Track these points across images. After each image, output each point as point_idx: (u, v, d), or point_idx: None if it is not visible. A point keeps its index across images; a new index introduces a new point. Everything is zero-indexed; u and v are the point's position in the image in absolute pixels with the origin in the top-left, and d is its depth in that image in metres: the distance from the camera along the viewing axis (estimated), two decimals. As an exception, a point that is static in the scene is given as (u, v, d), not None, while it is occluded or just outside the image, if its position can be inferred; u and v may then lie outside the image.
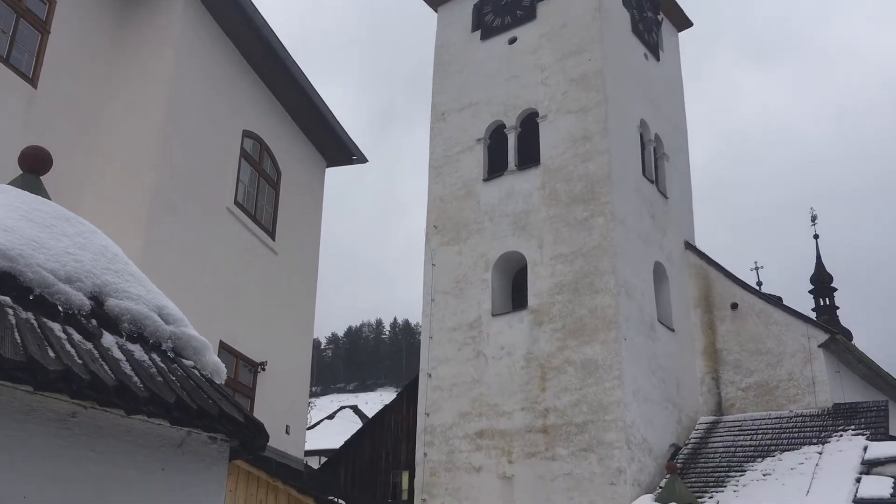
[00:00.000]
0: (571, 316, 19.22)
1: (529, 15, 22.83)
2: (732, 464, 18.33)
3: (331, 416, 55.67)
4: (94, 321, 3.07)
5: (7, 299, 2.84)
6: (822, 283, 32.58)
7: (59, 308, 2.96)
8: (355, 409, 62.02)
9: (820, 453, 17.62)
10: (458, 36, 24.10)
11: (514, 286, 21.20)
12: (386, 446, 22.61)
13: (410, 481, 20.83)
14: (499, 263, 20.87)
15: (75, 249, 3.17)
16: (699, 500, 13.21)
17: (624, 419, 17.83)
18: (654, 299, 20.65)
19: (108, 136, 11.27)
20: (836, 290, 32.76)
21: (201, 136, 12.24)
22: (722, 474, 18.02)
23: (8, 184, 3.50)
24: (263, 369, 13.18)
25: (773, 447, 18.57)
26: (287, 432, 13.74)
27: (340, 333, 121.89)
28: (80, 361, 2.73)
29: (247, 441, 3.40)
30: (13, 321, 2.74)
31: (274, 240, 14.05)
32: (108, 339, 3.04)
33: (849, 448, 17.43)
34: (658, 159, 23.21)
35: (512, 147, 21.87)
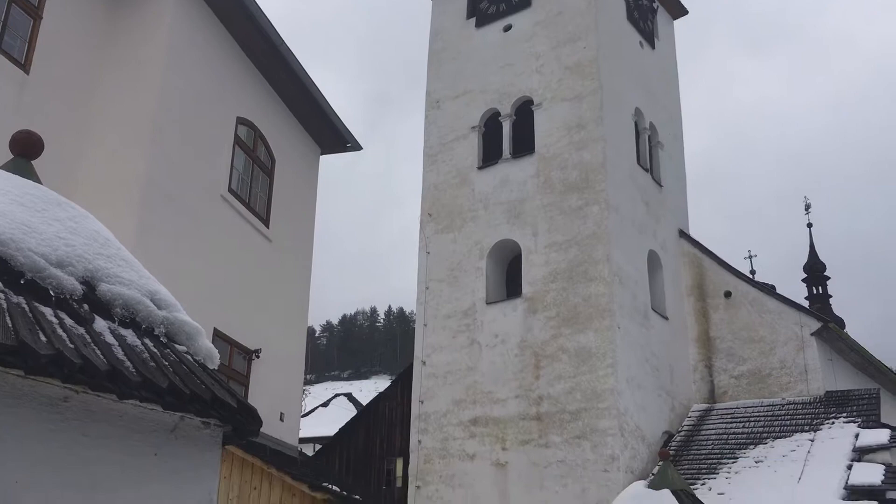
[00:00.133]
0: (565, 304, 19.26)
1: (524, 2, 22.76)
2: (725, 451, 18.44)
3: (325, 404, 55.75)
4: (85, 306, 3.06)
5: (-2, 283, 2.82)
6: (815, 271, 32.69)
7: (51, 292, 2.94)
8: (349, 396, 62.15)
9: (812, 440, 17.73)
10: (453, 23, 24.02)
11: (508, 274, 21.22)
12: (380, 433, 22.66)
13: (404, 468, 20.90)
14: (493, 251, 20.88)
15: (67, 234, 3.15)
16: (692, 486, 13.28)
17: (617, 407, 17.90)
18: (647, 287, 20.70)
19: (101, 122, 11.21)
20: (829, 278, 32.88)
21: (195, 122, 12.18)
22: (714, 461, 18.13)
23: (-1, 168, 3.48)
24: (258, 357, 13.18)
25: (765, 434, 18.68)
26: (281, 419, 13.76)
27: (335, 321, 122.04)
28: (71, 346, 2.72)
29: (240, 426, 3.40)
30: (4, 305, 2.73)
31: (268, 227, 14.02)
32: (100, 324, 3.03)
33: (840, 435, 17.54)
34: (652, 147, 23.20)
35: (506, 135, 21.85)
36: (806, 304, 27.35)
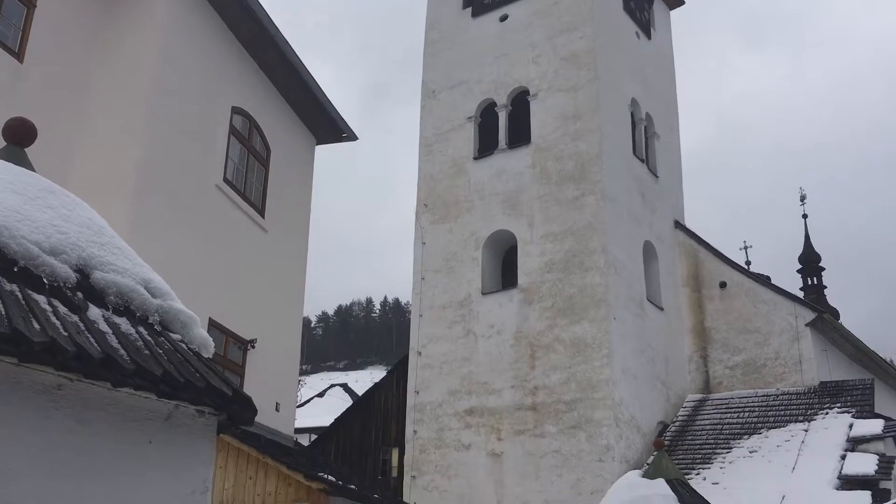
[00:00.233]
0: (561, 294, 19.28)
1: (521, -8, 22.68)
2: (719, 441, 18.51)
3: (321, 394, 55.81)
4: (79, 294, 3.05)
5: (-9, 271, 2.81)
6: (810, 262, 32.75)
7: (44, 280, 2.93)
8: (345, 387, 62.25)
9: (806, 431, 17.80)
10: (449, 13, 23.94)
11: (504, 265, 21.23)
12: (376, 424, 22.69)
13: (400, 458, 20.94)
14: (489, 242, 20.89)
15: (60, 221, 3.14)
16: (686, 476, 13.34)
17: (612, 397, 17.95)
18: (643, 278, 20.73)
19: (95, 112, 11.17)
20: (823, 269, 32.96)
21: (189, 112, 12.14)
22: (709, 451, 18.20)
23: (-8, 156, 3.46)
24: (253, 347, 13.18)
25: (759, 425, 18.75)
26: (277, 410, 13.77)
27: (331, 312, 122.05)
28: (65, 334, 2.71)
29: (235, 414, 3.40)
30: (-3, 293, 2.72)
31: (263, 217, 14.00)
32: (94, 312, 3.02)
33: (834, 426, 17.61)
34: (649, 138, 23.20)
35: (503, 125, 21.82)
36: (801, 294, 27.44)
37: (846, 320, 38.91)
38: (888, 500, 14.12)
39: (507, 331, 19.68)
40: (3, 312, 2.61)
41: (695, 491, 7.84)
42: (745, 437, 18.37)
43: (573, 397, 18.28)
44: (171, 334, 3.41)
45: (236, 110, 13.47)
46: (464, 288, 20.64)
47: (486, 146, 21.95)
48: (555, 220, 19.97)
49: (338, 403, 44.75)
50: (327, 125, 16.15)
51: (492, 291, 20.45)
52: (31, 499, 2.63)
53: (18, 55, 10.15)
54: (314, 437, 27.82)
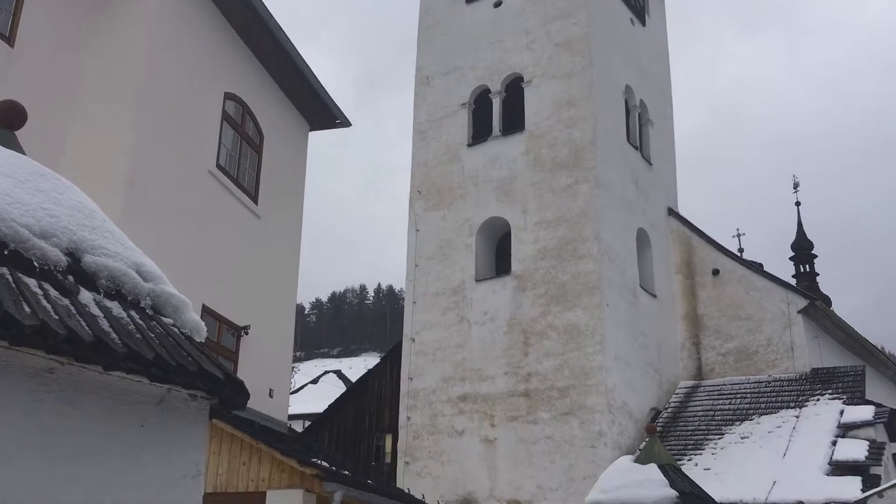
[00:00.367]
0: (554, 281, 19.31)
1: (515, -22, 22.59)
2: (711, 427, 18.61)
3: (314, 381, 55.87)
4: (70, 277, 3.03)
5: (-19, 255, 2.80)
6: (802, 249, 32.83)
7: (35, 263, 2.91)
8: (339, 373, 62.27)
9: (797, 417, 17.91)
10: (444, -1, 23.83)
11: (497, 252, 21.24)
12: (369, 410, 22.74)
13: (393, 444, 21.00)
14: (483, 229, 20.89)
15: (50, 205, 3.12)
16: (678, 462, 13.40)
17: (605, 383, 18.02)
18: (636, 265, 20.77)
19: (87, 97, 11.10)
20: (816, 257, 33.04)
21: (182, 97, 12.07)
22: (701, 437, 18.30)
23: (-19, 139, 3.44)
24: (247, 333, 13.16)
25: (751, 411, 18.85)
26: (270, 396, 13.77)
27: (324, 299, 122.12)
28: (56, 317, 2.70)
29: (227, 398, 3.40)
30: (-13, 276, 2.70)
31: (257, 204, 13.95)
32: (85, 296, 3.01)
33: (826, 412, 17.72)
34: (643, 125, 23.19)
35: (496, 112, 21.78)
36: (793, 282, 27.52)
37: (838, 307, 39.04)
38: (878, 485, 14.22)
39: (500, 318, 19.71)
40: (-6, 295, 2.60)
41: (686, 476, 7.88)
42: (737, 423, 18.47)
43: (566, 384, 18.34)
44: (163, 318, 3.40)
45: (229, 96, 13.41)
46: (457, 275, 20.66)
47: (479, 133, 21.92)
48: (548, 207, 19.97)
49: (331, 390, 44.79)
50: (321, 111, 16.08)
51: (485, 278, 20.46)
52: (23, 482, 2.63)
53: (9, 40, 10.07)
54: (308, 423, 27.89)
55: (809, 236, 32.93)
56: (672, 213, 23.24)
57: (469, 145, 21.78)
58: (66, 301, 2.88)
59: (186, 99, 12.20)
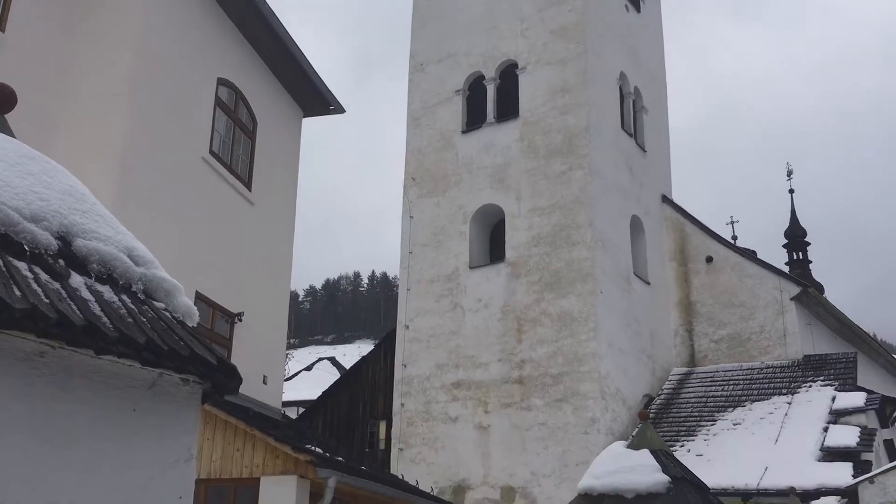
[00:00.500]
0: (548, 269, 19.33)
1: (509, -36, 22.48)
2: (704, 413, 18.69)
3: (308, 368, 55.93)
4: (61, 261, 3.01)
5: (-29, 238, 2.78)
6: (795, 237, 32.90)
7: (25, 247, 2.89)
8: (333, 360, 62.38)
9: (789, 403, 18.00)
10: (438, -15, 23.71)
11: (491, 239, 21.25)
12: (363, 397, 22.78)
13: (387, 431, 21.05)
14: (477, 216, 20.88)
15: (41, 188, 3.10)
16: (671, 448, 13.47)
17: (599, 370, 18.07)
18: (630, 252, 20.80)
19: (79, 83, 11.03)
20: (809, 244, 33.12)
21: (174, 83, 12.01)
22: (693, 423, 18.38)
23: (-29, 122, 3.41)
24: (240, 320, 13.15)
25: (743, 397, 18.94)
26: (264, 382, 13.78)
27: (318, 286, 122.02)
28: (46, 300, 2.69)
29: (219, 383, 3.39)
30: (-23, 260, 2.69)
31: (250, 190, 13.91)
32: (76, 280, 2.99)
33: (817, 398, 17.82)
34: (637, 112, 23.16)
35: (491, 99, 21.73)
36: (786, 269, 27.59)
37: (831, 294, 39.20)
38: (870, 471, 14.32)
39: (494, 304, 19.74)
40: (-17, 279, 2.58)
41: (679, 462, 7.90)
42: (730, 409, 18.56)
43: (560, 371, 18.39)
44: (155, 302, 3.39)
45: (222, 82, 13.34)
46: (451, 262, 20.66)
47: (473, 120, 21.87)
48: (542, 194, 19.96)
49: (325, 377, 44.86)
50: (314, 97, 16.02)
51: (479, 265, 20.47)
52: (13, 465, 2.62)
53: (0, 25, 9.99)
54: (302, 410, 27.91)
55: (803, 224, 33.02)
56: (666, 200, 23.26)
57: (463, 132, 21.74)
58: (56, 285, 2.87)
59: (179, 84, 12.13)
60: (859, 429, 16.26)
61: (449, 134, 21.90)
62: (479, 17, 22.44)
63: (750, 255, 22.52)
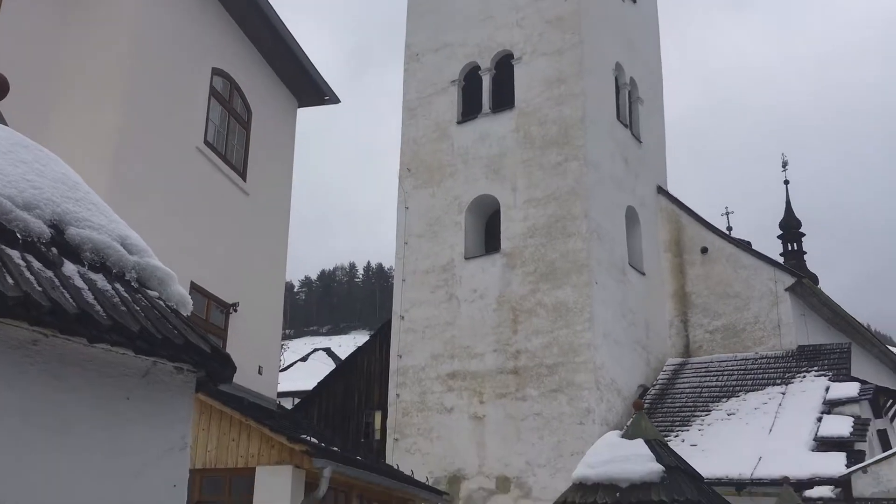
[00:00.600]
0: (544, 259, 19.34)
1: (505, -47, 22.39)
2: (698, 404, 18.75)
3: (304, 358, 55.94)
4: (54, 249, 3.00)
5: (-37, 226, 2.77)
6: (790, 228, 32.96)
7: (18, 235, 2.88)
8: (328, 351, 62.38)
9: (783, 394, 18.06)
10: (433, -26, 23.62)
11: (487, 230, 21.24)
12: (359, 387, 22.80)
13: (383, 421, 21.09)
14: (472, 206, 20.87)
15: (33, 176, 3.08)
16: (665, 438, 13.51)
17: (594, 361, 18.11)
18: (625, 243, 20.82)
19: (73, 73, 10.98)
20: (804, 235, 33.18)
21: (169, 73, 11.97)
22: (688, 414, 18.44)
23: (-37, 110, 3.40)
24: (235, 310, 13.15)
25: (738, 388, 19.00)
26: (260, 373, 13.79)
27: (314, 276, 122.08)
28: (39, 288, 2.68)
29: (213, 372, 3.38)
30: (-30, 248, 2.68)
31: (245, 181, 13.89)
32: (69, 268, 2.98)
33: (811, 388, 17.88)
34: (632, 103, 23.14)
35: (486, 89, 21.69)
36: (781, 260, 27.65)
37: (825, 286, 39.29)
38: (863, 461, 14.39)
39: (489, 295, 19.75)
40: (-24, 267, 2.58)
41: (673, 451, 7.92)
42: (724, 400, 18.62)
43: (555, 361, 18.42)
44: (149, 291, 3.38)
45: (217, 71, 13.29)
46: (447, 252, 20.66)
47: (469, 110, 21.83)
48: (538, 184, 19.96)
49: (321, 367, 44.88)
50: (309, 88, 15.98)
51: (475, 256, 20.47)
52: (7, 454, 2.62)
53: (-8, 13, 9.93)
54: (297, 400, 27.94)
55: (798, 216, 33.06)
56: (661, 191, 23.27)
57: (459, 123, 21.70)
58: (49, 273, 2.86)
59: (174, 74, 12.09)
60: (853, 419, 16.33)
61: (444, 124, 21.87)
62: (474, 7, 22.38)
63: (745, 245, 22.57)
